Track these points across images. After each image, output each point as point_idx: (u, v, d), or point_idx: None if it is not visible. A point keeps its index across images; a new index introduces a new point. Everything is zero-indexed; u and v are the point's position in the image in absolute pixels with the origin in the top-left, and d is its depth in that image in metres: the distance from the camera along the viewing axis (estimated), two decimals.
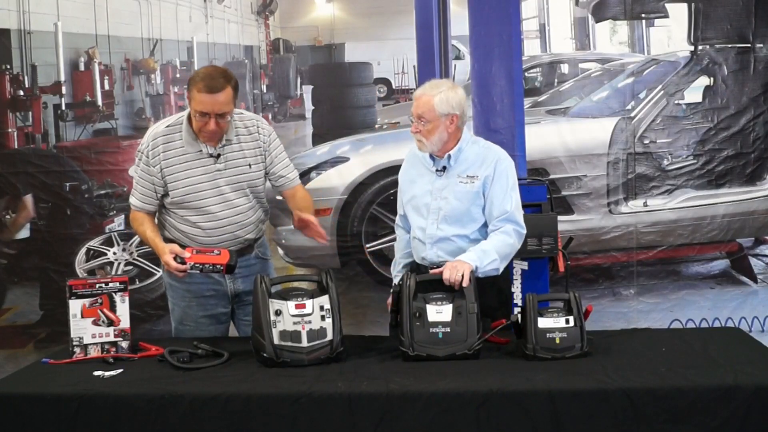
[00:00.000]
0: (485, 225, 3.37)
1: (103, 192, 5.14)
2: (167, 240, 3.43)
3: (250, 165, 3.42)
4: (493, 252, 3.24)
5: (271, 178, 3.51)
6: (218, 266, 3.29)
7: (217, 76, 3.23)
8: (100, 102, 5.18)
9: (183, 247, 3.31)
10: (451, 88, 3.32)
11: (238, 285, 3.51)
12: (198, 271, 3.30)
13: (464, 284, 3.05)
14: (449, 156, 3.34)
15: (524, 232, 3.37)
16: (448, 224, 3.34)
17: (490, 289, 3.27)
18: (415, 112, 3.31)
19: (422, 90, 3.33)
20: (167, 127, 3.41)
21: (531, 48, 5.57)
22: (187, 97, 3.31)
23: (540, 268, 4.16)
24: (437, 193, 3.36)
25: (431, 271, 3.18)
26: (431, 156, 3.38)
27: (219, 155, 3.37)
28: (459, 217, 3.33)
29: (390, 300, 3.53)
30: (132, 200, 3.46)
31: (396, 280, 3.55)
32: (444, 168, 3.36)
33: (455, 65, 5.37)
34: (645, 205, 5.14)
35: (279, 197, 3.71)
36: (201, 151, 3.37)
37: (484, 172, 3.32)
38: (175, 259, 3.25)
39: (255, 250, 3.54)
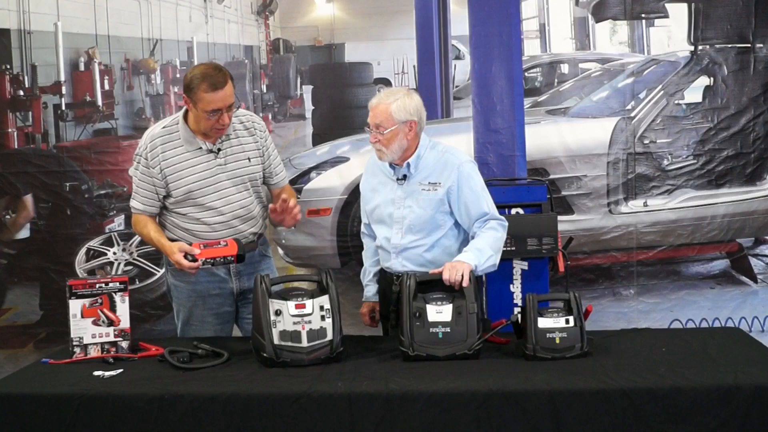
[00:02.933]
0: (451, 230, 3.35)
1: (103, 192, 5.14)
2: (171, 241, 3.42)
3: (249, 159, 3.44)
4: (488, 249, 3.23)
5: (265, 175, 3.53)
6: (229, 258, 3.30)
7: (215, 73, 3.26)
8: (100, 102, 5.17)
9: (189, 245, 3.32)
10: (406, 95, 3.29)
11: (243, 283, 3.50)
12: (210, 266, 3.32)
13: (464, 284, 3.05)
14: (408, 164, 3.32)
15: (506, 223, 3.36)
16: (413, 233, 3.33)
17: None
18: (372, 122, 3.28)
19: (378, 99, 3.29)
20: (164, 128, 3.42)
21: (531, 48, 5.56)
22: (185, 101, 3.32)
23: (540, 268, 4.17)
24: (400, 202, 3.35)
25: (431, 271, 3.18)
26: (391, 165, 3.36)
27: (219, 150, 3.39)
28: (423, 225, 3.32)
29: (363, 309, 3.56)
30: (133, 203, 3.45)
31: (367, 290, 3.57)
32: (405, 176, 3.34)
33: (455, 65, 5.37)
34: (645, 205, 5.14)
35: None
36: (201, 148, 3.38)
37: (447, 181, 3.30)
38: (185, 257, 3.26)
39: (258, 247, 3.54)
